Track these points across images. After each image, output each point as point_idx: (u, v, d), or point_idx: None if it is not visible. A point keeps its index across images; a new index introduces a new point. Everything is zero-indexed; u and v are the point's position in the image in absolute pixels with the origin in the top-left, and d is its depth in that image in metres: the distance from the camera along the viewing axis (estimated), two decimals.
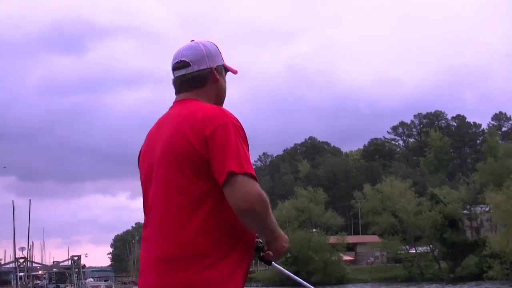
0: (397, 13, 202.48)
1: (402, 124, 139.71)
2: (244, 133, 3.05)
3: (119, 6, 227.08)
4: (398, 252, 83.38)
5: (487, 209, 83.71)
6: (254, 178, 2.90)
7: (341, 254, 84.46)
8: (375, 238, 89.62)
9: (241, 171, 2.87)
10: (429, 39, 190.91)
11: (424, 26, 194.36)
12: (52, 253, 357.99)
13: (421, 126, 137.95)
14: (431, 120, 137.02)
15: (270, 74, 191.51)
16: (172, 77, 3.29)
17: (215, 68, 3.25)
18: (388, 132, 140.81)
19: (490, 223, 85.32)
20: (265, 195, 2.91)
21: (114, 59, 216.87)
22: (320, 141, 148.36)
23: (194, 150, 2.95)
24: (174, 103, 3.27)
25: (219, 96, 3.29)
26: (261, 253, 3.21)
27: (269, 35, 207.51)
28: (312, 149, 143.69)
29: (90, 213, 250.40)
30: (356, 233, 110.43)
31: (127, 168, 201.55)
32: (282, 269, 3.75)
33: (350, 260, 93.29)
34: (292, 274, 3.79)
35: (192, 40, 3.31)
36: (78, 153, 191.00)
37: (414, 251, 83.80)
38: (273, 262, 3.32)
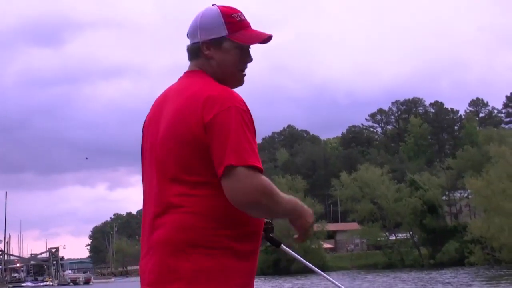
0: (374, 3, 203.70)
1: (380, 111, 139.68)
2: (251, 117, 2.80)
3: None
4: (378, 239, 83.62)
5: (465, 194, 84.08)
6: (257, 169, 2.67)
7: (321, 242, 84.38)
8: (354, 226, 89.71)
9: (240, 163, 2.66)
10: (406, 28, 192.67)
11: (401, 15, 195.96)
12: (30, 246, 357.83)
13: (399, 113, 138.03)
14: (409, 107, 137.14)
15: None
16: None
17: (205, 42, 2.97)
18: (366, 120, 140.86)
19: (469, 208, 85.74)
20: (268, 184, 2.69)
21: (93, 52, 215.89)
22: (299, 129, 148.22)
23: (194, 136, 2.76)
24: (185, 73, 3.07)
25: (220, 71, 2.99)
26: (270, 234, 3.12)
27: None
28: (291, 137, 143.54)
29: (68, 204, 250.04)
30: (336, 220, 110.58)
31: (106, 159, 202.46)
32: (291, 251, 3.62)
33: (330, 248, 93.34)
34: (301, 258, 3.73)
35: (214, 5, 3.03)
36: (57, 144, 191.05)
37: (394, 237, 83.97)
38: (282, 245, 3.24)
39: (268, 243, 3.21)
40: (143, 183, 3.05)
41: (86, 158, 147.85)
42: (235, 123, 2.71)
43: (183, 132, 2.79)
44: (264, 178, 2.70)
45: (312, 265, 3.90)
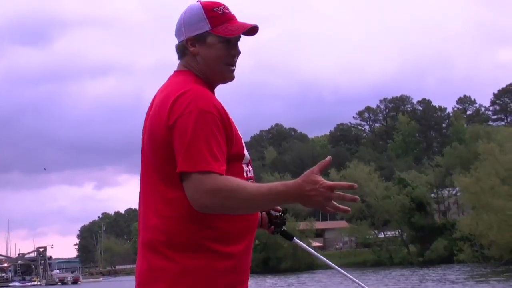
0: (361, 2, 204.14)
1: (368, 109, 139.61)
2: (215, 119, 2.75)
3: None
4: (367, 237, 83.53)
5: (454, 192, 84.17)
6: (210, 172, 2.65)
7: (309, 240, 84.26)
8: (343, 224, 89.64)
9: (193, 169, 2.66)
10: (391, 26, 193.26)
11: (386, 12, 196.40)
12: (18, 245, 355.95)
13: (387, 110, 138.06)
14: (397, 105, 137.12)
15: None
16: None
17: (189, 39, 2.98)
18: (354, 118, 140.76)
19: (457, 206, 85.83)
20: (223, 184, 2.65)
21: (79, 49, 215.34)
22: (286, 127, 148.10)
23: (162, 139, 2.78)
24: (173, 72, 3.08)
25: (207, 64, 2.98)
26: (283, 228, 3.14)
27: None
28: (278, 135, 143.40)
29: (56, 204, 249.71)
30: (324, 218, 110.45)
31: (93, 158, 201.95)
32: (304, 245, 3.62)
33: (318, 246, 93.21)
34: (313, 251, 3.71)
35: (198, 1, 3.03)
36: (44, 143, 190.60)
37: (382, 235, 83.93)
38: (294, 238, 3.29)
39: (281, 236, 3.24)
40: (139, 184, 3.04)
41: (45, 169, 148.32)
42: (193, 127, 2.70)
43: (156, 134, 2.82)
44: (220, 178, 2.66)
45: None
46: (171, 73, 3.08)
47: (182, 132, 2.71)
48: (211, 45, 2.97)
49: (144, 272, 2.86)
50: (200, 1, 3.01)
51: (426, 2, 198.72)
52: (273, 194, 2.74)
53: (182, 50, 3.02)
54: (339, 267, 3.92)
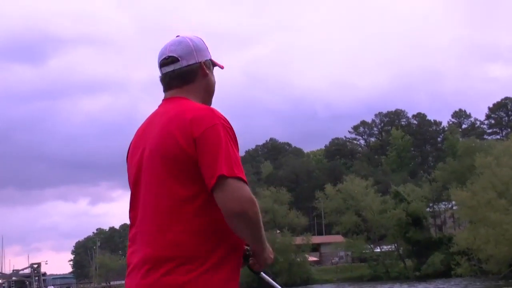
0: (351, 18, 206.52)
1: (363, 123, 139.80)
2: (234, 134, 2.96)
3: (77, 15, 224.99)
4: (363, 251, 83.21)
5: (450, 206, 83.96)
6: (245, 182, 2.83)
7: (306, 255, 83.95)
8: (339, 238, 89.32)
9: (231, 175, 2.79)
10: (383, 42, 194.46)
11: (377, 28, 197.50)
12: (12, 261, 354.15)
13: (382, 125, 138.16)
14: (392, 119, 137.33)
15: (227, 78, 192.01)
16: (159, 74, 3.21)
17: (203, 63, 3.19)
18: (349, 132, 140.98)
19: (453, 220, 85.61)
20: (256, 200, 2.82)
21: (73, 67, 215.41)
22: (281, 142, 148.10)
23: (182, 152, 2.87)
24: (163, 101, 3.19)
25: (209, 91, 3.24)
26: (250, 261, 3.14)
27: (226, 40, 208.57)
28: (273, 150, 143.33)
29: (50, 220, 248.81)
30: (320, 233, 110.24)
31: (87, 174, 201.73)
32: (271, 280, 3.61)
33: (314, 261, 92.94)
34: (277, 285, 3.63)
35: (178, 36, 3.23)
36: (38, 160, 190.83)
37: (379, 250, 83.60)
38: (262, 273, 3.28)
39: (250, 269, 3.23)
40: (131, 205, 3.13)
41: None
42: (224, 138, 2.85)
43: (172, 149, 2.89)
44: (251, 192, 2.83)
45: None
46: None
47: (215, 142, 2.83)
48: (211, 71, 3.25)
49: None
50: (180, 35, 3.23)
51: (416, 19, 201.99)
52: (263, 232, 2.96)
53: (189, 74, 3.15)
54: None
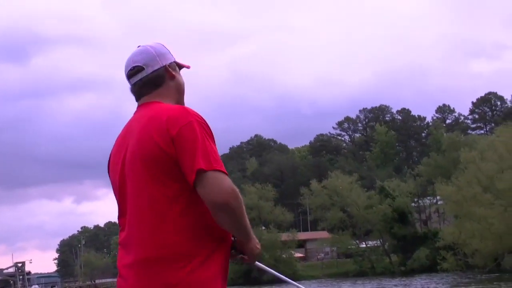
0: (336, 15, 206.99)
1: (347, 119, 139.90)
2: (210, 129, 3.04)
3: (62, 14, 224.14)
4: (348, 247, 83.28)
5: (434, 201, 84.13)
6: (224, 173, 2.89)
7: (292, 251, 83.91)
8: (324, 234, 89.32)
9: (210, 168, 2.87)
10: (367, 39, 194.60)
11: (361, 26, 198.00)
12: None
13: (367, 120, 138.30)
14: (376, 115, 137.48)
15: (213, 76, 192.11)
16: (129, 86, 3.28)
17: (168, 65, 3.26)
18: (334, 128, 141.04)
19: (438, 215, 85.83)
20: (238, 190, 2.90)
21: (58, 66, 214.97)
22: (266, 138, 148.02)
23: (162, 152, 2.93)
24: (137, 108, 3.25)
25: (179, 91, 3.31)
26: (239, 256, 3.20)
27: (213, 38, 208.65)
28: (259, 146, 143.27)
29: (35, 218, 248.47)
30: (305, 229, 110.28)
31: (72, 172, 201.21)
32: (266, 267, 3.75)
33: (300, 257, 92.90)
34: (274, 271, 3.81)
35: (139, 46, 3.32)
36: (23, 159, 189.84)
37: (364, 245, 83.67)
38: (256, 262, 3.34)
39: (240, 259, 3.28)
40: (119, 208, 3.16)
41: None
42: (199, 133, 2.93)
43: (151, 150, 2.95)
44: (232, 183, 2.89)
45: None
46: None
47: (191, 139, 2.91)
48: (177, 72, 3.33)
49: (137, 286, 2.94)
50: (140, 45, 3.31)
51: (401, 16, 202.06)
52: (248, 222, 3.02)
53: (157, 79, 3.22)
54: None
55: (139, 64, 3.21)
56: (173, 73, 3.27)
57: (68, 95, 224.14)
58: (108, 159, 3.31)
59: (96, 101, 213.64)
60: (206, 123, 3.03)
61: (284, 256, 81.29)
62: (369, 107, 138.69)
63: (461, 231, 58.30)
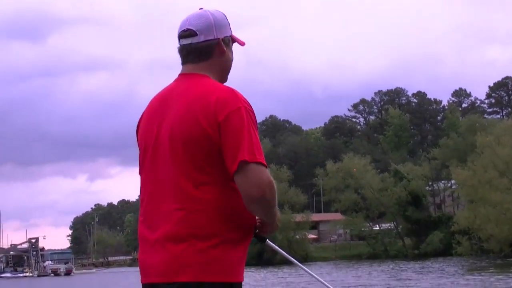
0: (350, 1, 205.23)
1: (362, 101, 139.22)
2: (255, 117, 2.99)
3: None
4: (362, 229, 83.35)
5: (449, 185, 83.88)
6: (265, 166, 2.88)
7: (305, 233, 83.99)
8: (338, 216, 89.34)
9: (253, 160, 2.84)
10: (380, 25, 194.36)
11: (375, 12, 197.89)
12: (10, 236, 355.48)
13: (382, 103, 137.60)
14: (392, 98, 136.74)
15: None
16: (178, 45, 3.16)
17: (222, 39, 3.13)
18: (349, 110, 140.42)
19: (452, 199, 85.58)
20: (274, 183, 2.89)
21: (72, 46, 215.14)
22: (281, 119, 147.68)
23: (206, 136, 2.90)
24: (180, 75, 3.16)
25: (225, 68, 3.21)
26: (256, 231, 3.20)
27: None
28: (273, 127, 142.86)
29: (49, 196, 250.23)
30: (319, 211, 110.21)
31: (85, 151, 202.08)
32: (276, 247, 3.83)
33: (313, 238, 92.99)
34: (284, 253, 3.89)
35: (201, 8, 3.18)
36: (37, 137, 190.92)
37: (377, 228, 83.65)
38: (267, 240, 3.35)
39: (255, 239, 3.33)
40: (145, 180, 3.12)
41: None
42: (246, 122, 2.87)
43: (195, 133, 2.90)
44: (270, 175, 2.87)
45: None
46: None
47: (238, 127, 2.86)
48: (230, 49, 3.19)
49: (168, 263, 2.90)
50: (203, 8, 3.17)
51: (413, 1, 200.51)
52: (276, 209, 3.05)
53: (206, 50, 3.10)
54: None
55: (193, 29, 3.09)
56: (225, 48, 3.14)
57: (81, 74, 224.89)
58: (137, 123, 3.24)
59: (109, 81, 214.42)
60: (253, 111, 2.99)
61: (297, 237, 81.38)
62: (384, 90, 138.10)
63: (476, 216, 58.16)
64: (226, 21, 3.18)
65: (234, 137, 2.86)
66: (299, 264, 4.00)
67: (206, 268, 2.87)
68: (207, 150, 2.90)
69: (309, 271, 4.03)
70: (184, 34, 3.11)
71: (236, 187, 2.89)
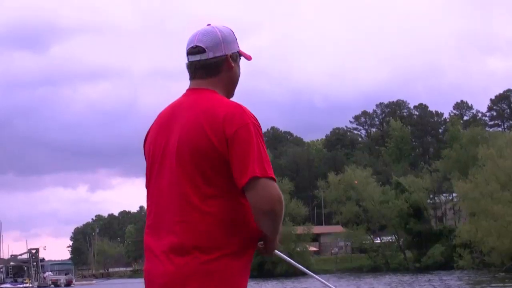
0: (351, 11, 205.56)
1: (364, 113, 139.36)
2: (262, 132, 3.03)
3: (79, 4, 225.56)
4: (363, 242, 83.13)
5: (450, 197, 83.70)
6: (274, 180, 2.92)
7: (306, 245, 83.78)
8: (339, 228, 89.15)
9: (264, 175, 2.88)
10: (383, 37, 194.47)
11: (376, 22, 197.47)
12: (11, 246, 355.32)
13: (384, 115, 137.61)
14: (393, 110, 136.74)
15: None
16: (186, 61, 3.21)
17: (230, 55, 3.19)
18: (350, 122, 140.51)
19: (454, 212, 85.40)
20: (282, 197, 2.94)
21: (74, 54, 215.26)
22: (282, 131, 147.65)
23: (214, 149, 2.94)
24: (188, 90, 3.20)
25: (232, 83, 3.25)
26: (260, 248, 3.24)
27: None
28: (274, 139, 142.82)
29: (49, 206, 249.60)
30: (320, 223, 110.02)
31: (86, 161, 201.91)
32: (284, 256, 3.82)
33: (314, 251, 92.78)
34: (295, 263, 3.96)
35: (209, 24, 3.23)
36: (38, 146, 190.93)
37: (379, 240, 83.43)
38: (275, 250, 3.35)
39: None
40: (152, 191, 3.15)
41: None
42: (255, 138, 2.92)
43: (203, 145, 2.94)
44: (279, 190, 2.93)
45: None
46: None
47: (246, 142, 2.90)
48: (237, 63, 3.23)
49: (172, 274, 2.93)
50: (211, 24, 3.21)
51: (414, 12, 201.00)
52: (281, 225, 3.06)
53: (215, 66, 3.14)
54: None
55: (202, 45, 3.14)
56: (233, 64, 3.20)
57: (83, 83, 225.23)
58: (145, 136, 3.28)
59: (111, 90, 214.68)
60: (260, 126, 3.02)
61: (298, 249, 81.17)
62: (386, 102, 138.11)
63: (478, 229, 57.94)
64: (233, 37, 3.23)
65: (243, 152, 2.90)
66: (311, 273, 4.17)
67: (210, 280, 2.90)
68: (214, 163, 2.94)
69: (322, 280, 4.15)
70: (193, 50, 3.16)
71: (242, 200, 2.94)
